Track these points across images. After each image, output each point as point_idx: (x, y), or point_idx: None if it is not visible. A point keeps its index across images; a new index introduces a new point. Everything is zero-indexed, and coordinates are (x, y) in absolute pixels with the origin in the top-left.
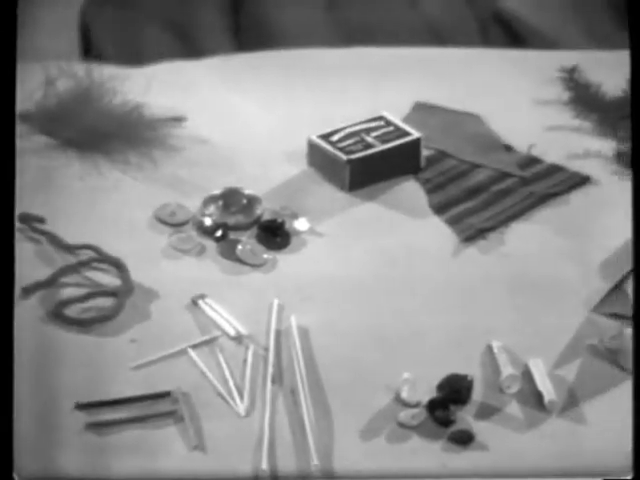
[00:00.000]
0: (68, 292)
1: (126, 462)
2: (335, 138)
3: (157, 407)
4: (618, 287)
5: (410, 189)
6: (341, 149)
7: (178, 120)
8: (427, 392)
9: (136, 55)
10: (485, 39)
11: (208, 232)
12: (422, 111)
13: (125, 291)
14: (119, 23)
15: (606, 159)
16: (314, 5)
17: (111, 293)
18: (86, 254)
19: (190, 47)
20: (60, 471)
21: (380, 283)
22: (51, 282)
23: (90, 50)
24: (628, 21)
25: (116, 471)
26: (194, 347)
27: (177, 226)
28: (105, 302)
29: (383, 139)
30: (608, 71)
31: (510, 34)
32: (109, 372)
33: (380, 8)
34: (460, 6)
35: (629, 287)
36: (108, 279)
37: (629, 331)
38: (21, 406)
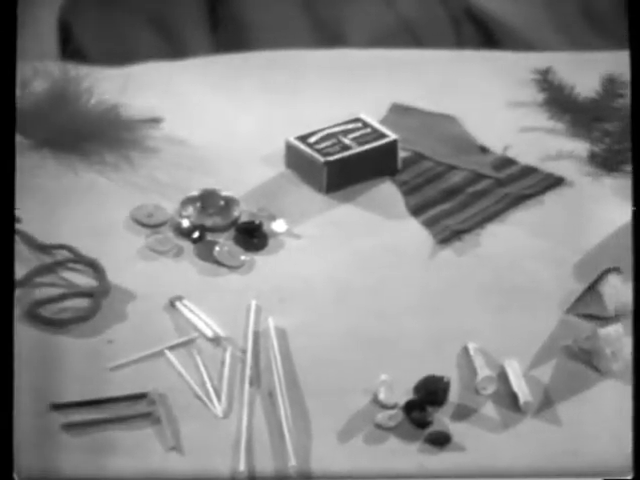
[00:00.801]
0: (43, 292)
1: (102, 462)
2: (312, 140)
3: (134, 408)
4: (592, 288)
5: (387, 191)
6: (318, 151)
7: (155, 121)
8: (404, 394)
9: (117, 55)
10: (459, 38)
11: (185, 233)
12: (399, 113)
13: (101, 292)
14: (100, 22)
15: (580, 160)
16: (292, 5)
17: (87, 294)
18: (61, 254)
19: (171, 47)
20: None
21: (357, 285)
22: (26, 282)
23: (70, 50)
24: (628, 21)
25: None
26: (171, 349)
27: (154, 227)
28: (81, 303)
29: (360, 141)
30: (581, 72)
31: (483, 33)
32: (85, 373)
33: (355, 7)
34: (434, 5)
35: (603, 288)
36: (84, 280)
37: (603, 332)
38: None
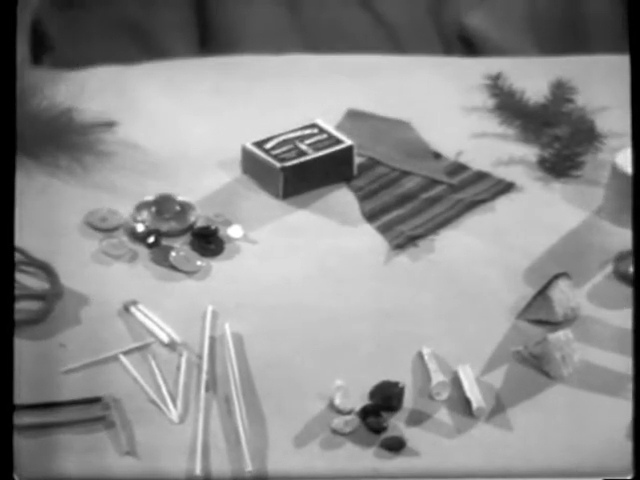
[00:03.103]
0: None
1: (54, 465)
2: (269, 145)
3: (88, 412)
4: (542, 293)
5: (343, 197)
6: (275, 156)
7: (109, 125)
8: (360, 399)
9: (87, 58)
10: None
11: (140, 238)
12: (354, 118)
13: (54, 295)
14: (73, 25)
15: (530, 165)
16: (274, 6)
17: (39, 296)
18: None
19: (145, 50)
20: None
21: (313, 290)
22: None
23: (44, 55)
24: (628, 21)
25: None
26: (126, 353)
27: (108, 231)
28: (32, 305)
29: (316, 147)
30: (531, 77)
31: (474, 52)
32: (37, 376)
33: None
34: (425, 24)
35: (552, 293)
36: (36, 283)
37: (552, 337)
38: None
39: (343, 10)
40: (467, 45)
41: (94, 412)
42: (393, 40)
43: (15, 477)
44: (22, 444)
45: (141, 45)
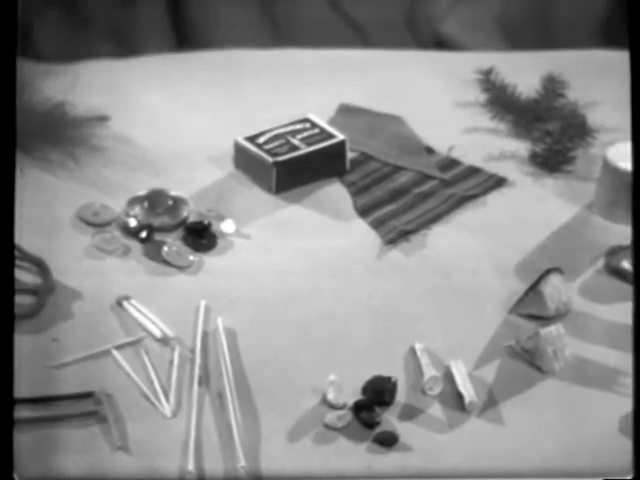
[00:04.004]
0: None
1: (48, 460)
2: (261, 140)
3: (80, 407)
4: (533, 288)
5: (335, 192)
6: (267, 151)
7: (101, 119)
8: (353, 394)
9: (71, 54)
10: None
11: (133, 233)
12: (347, 113)
13: (46, 290)
14: (57, 21)
15: (521, 160)
16: (247, 4)
17: (31, 291)
18: None
19: (125, 46)
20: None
21: (306, 285)
22: None
23: (27, 48)
24: (628, 21)
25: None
26: (119, 348)
27: (101, 226)
28: (25, 300)
29: (309, 141)
30: (523, 72)
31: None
32: (29, 370)
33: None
34: (401, 34)
35: (544, 288)
36: (29, 278)
37: (544, 331)
38: None
39: (314, 9)
40: (442, 48)
41: (86, 407)
42: (367, 43)
43: (15, 477)
44: (22, 443)
45: (115, 42)
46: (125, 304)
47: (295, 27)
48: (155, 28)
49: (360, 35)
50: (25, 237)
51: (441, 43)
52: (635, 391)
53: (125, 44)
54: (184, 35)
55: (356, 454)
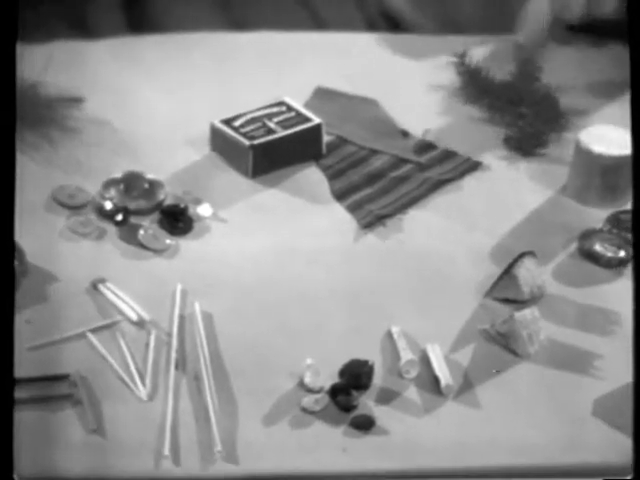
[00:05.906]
0: None
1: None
2: (237, 123)
3: (54, 389)
4: (508, 272)
5: (312, 175)
6: (244, 134)
7: (76, 101)
8: (330, 378)
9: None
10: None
11: (108, 216)
12: (322, 96)
13: (19, 272)
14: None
15: (496, 144)
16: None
17: None
18: None
19: (83, 28)
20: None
21: (282, 269)
22: None
23: None
24: (628, 21)
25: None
26: (94, 331)
27: (76, 209)
28: None
29: (285, 125)
30: (496, 55)
31: (397, 30)
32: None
33: (270, 7)
34: (349, 7)
35: (518, 271)
36: None
37: (519, 315)
38: None
39: None
40: (391, 23)
41: (61, 389)
42: (317, 19)
43: (15, 477)
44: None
45: (67, 23)
46: (101, 287)
47: (247, 9)
48: (106, 11)
49: (309, 12)
50: None
51: (390, 19)
52: (635, 391)
53: (84, 27)
54: (137, 20)
55: (333, 438)
